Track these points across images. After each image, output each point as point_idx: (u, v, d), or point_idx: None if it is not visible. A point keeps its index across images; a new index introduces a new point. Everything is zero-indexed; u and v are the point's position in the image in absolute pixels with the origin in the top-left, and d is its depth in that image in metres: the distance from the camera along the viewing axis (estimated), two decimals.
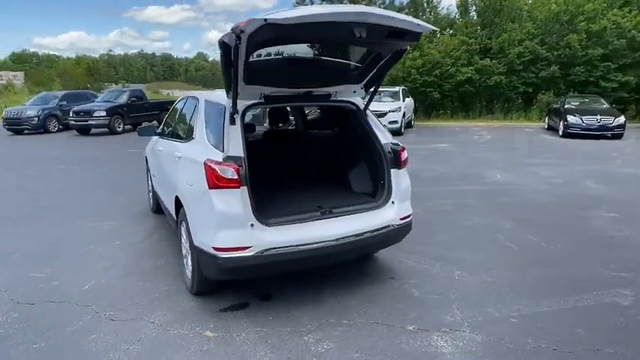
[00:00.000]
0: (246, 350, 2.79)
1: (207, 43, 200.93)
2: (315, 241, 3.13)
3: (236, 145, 3.11)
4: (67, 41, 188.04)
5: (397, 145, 3.71)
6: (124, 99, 18.03)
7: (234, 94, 3.11)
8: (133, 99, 18.22)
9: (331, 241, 3.18)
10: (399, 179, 3.66)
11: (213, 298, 3.42)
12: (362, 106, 3.81)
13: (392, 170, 3.62)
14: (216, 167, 2.97)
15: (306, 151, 4.68)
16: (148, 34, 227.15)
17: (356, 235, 3.29)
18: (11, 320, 3.18)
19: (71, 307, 3.36)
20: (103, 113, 16.72)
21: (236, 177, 2.97)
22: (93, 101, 18.73)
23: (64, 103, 18.82)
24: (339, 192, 4.09)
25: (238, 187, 2.99)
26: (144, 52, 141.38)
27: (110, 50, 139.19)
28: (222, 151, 3.08)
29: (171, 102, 21.55)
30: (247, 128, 4.41)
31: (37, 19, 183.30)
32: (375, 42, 3.12)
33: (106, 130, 16.77)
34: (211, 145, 3.25)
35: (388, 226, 3.50)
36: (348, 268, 3.91)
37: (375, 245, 3.65)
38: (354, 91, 3.78)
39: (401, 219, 3.61)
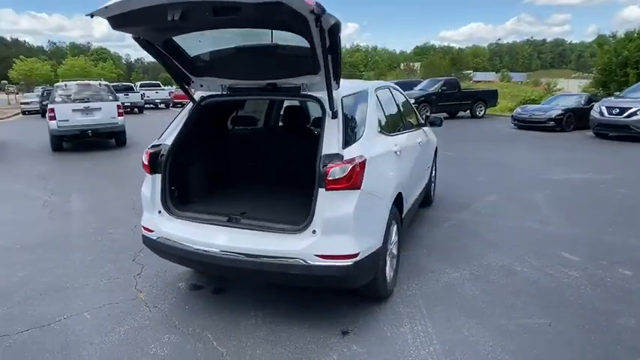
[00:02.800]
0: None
1: (622, 21, 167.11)
2: (203, 247, 2.90)
3: (170, 133, 3.27)
4: (466, 33, 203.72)
5: (336, 157, 2.71)
6: (436, 87, 18.69)
7: (179, 84, 3.25)
8: (444, 88, 18.57)
9: (217, 251, 2.85)
10: (327, 204, 2.69)
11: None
12: (327, 104, 2.93)
13: (320, 191, 2.70)
14: (144, 153, 3.26)
15: (293, 152, 3.97)
16: (546, 19, 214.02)
17: (245, 255, 2.78)
18: None
19: None
20: (412, 101, 17.92)
21: (147, 162, 3.17)
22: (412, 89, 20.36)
23: None
24: (288, 203, 3.37)
25: (149, 174, 3.18)
26: (533, 39, 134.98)
27: (499, 39, 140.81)
28: (159, 138, 3.32)
29: (488, 92, 20.67)
30: (243, 121, 4.23)
31: (444, 13, 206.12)
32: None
33: None
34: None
35: (294, 259, 2.71)
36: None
37: (277, 276, 2.87)
38: (331, 84, 2.95)
39: (320, 256, 2.68)
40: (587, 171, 8.32)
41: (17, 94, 34.71)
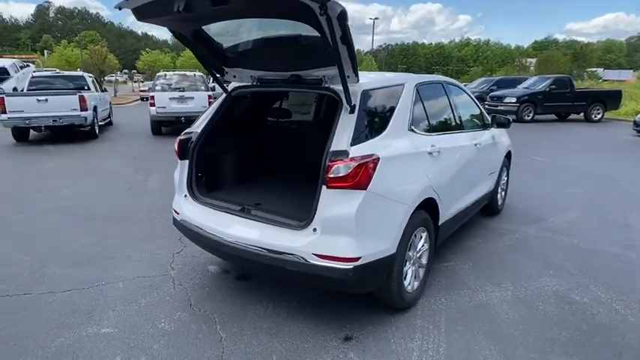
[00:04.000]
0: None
1: None
2: (215, 233, 2.98)
3: (201, 122, 3.40)
4: (599, 25, 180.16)
5: (342, 154, 2.56)
6: (543, 86, 16.93)
7: (212, 75, 3.35)
8: (553, 86, 16.72)
9: (227, 239, 2.91)
10: (328, 202, 2.57)
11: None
12: (344, 98, 2.78)
13: (323, 188, 2.59)
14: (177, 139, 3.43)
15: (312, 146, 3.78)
16: None
17: (250, 246, 2.79)
18: None
19: None
20: (514, 100, 16.58)
21: (177, 148, 3.33)
22: (515, 87, 18.70)
23: (494, 87, 19.94)
24: (304, 199, 3.20)
25: (180, 159, 3.34)
26: None
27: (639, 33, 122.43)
28: (190, 126, 3.47)
29: (609, 92, 18.01)
30: (277, 113, 4.15)
31: (572, 4, 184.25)
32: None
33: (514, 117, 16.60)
34: None
35: (292, 254, 2.64)
36: None
37: (276, 271, 2.79)
38: (348, 76, 2.81)
39: (318, 256, 2.58)
40: None
41: (142, 82, 39.20)
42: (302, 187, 3.64)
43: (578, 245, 4.50)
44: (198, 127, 3.44)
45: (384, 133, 2.86)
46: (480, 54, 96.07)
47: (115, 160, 8.73)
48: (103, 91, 13.40)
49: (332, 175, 2.54)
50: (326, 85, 2.96)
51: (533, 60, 53.59)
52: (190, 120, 11.67)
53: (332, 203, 2.57)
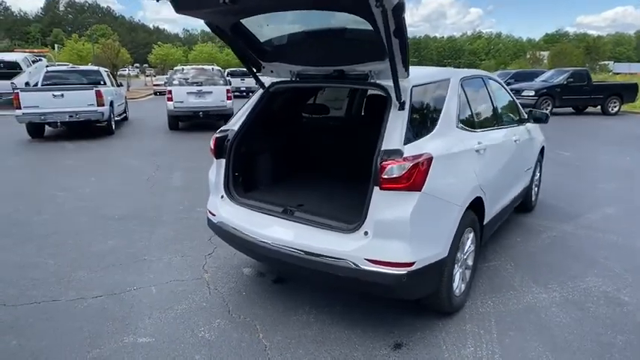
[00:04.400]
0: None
1: None
2: (256, 236, 2.86)
3: (238, 119, 3.27)
4: (609, 18, 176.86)
5: (395, 153, 2.41)
6: (561, 79, 16.57)
7: (249, 69, 3.22)
8: (571, 80, 16.35)
9: (268, 242, 2.79)
10: (381, 204, 2.43)
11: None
12: (394, 94, 2.63)
13: (375, 189, 2.45)
14: (213, 137, 3.30)
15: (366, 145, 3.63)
16: None
17: (295, 250, 2.67)
18: None
19: None
20: (532, 93, 16.27)
21: (212, 147, 3.21)
22: (533, 80, 18.32)
23: (512, 80, 19.56)
24: (349, 200, 3.11)
25: (215, 158, 3.22)
26: None
27: None
28: (226, 123, 3.34)
29: (626, 85, 17.56)
30: (314, 109, 3.99)
31: None
32: None
33: None
34: None
35: (343, 260, 2.51)
36: None
37: (324, 277, 2.65)
38: (398, 71, 2.66)
39: (370, 261, 2.45)
40: None
41: (154, 76, 39.25)
42: (344, 187, 3.52)
43: (619, 243, 4.32)
44: (234, 124, 3.31)
45: (434, 131, 2.71)
46: (492, 47, 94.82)
47: (134, 156, 8.65)
48: (118, 85, 13.33)
49: (386, 176, 2.40)
50: (372, 81, 2.81)
51: (546, 53, 52.81)
52: (209, 115, 11.62)
53: (385, 205, 2.43)
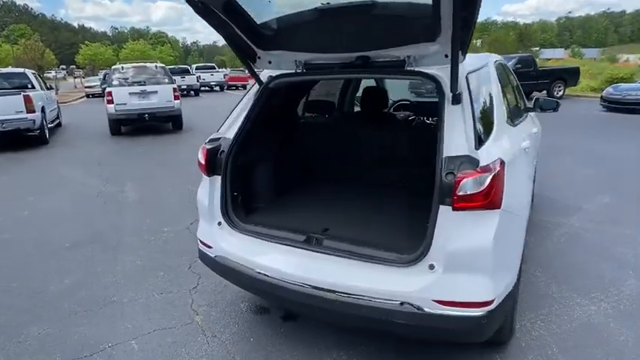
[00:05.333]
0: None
1: None
2: (272, 274, 2.21)
3: (232, 124, 2.60)
4: (532, 6, 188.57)
5: (467, 161, 1.89)
6: (509, 65, 16.94)
7: (243, 61, 2.54)
8: (519, 65, 16.79)
9: (293, 283, 2.15)
10: (454, 229, 1.88)
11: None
12: (447, 84, 2.11)
13: (441, 209, 1.90)
14: (199, 149, 2.60)
15: (379, 145, 3.14)
16: None
17: (330, 291, 2.06)
18: None
19: None
20: None
21: (203, 162, 2.51)
22: None
23: None
24: (382, 218, 2.61)
25: (207, 175, 2.52)
26: (610, 10, 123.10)
27: (569, 12, 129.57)
28: (217, 130, 2.65)
29: (569, 70, 18.47)
30: (317, 107, 3.43)
31: None
32: None
33: None
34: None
35: (403, 303, 1.94)
36: None
37: (372, 323, 2.08)
38: (446, 55, 2.12)
39: (441, 302, 1.90)
40: None
41: (83, 77, 36.25)
42: (368, 200, 2.94)
43: (636, 236, 4.11)
44: (226, 131, 2.63)
45: (495, 129, 2.20)
46: None
47: (76, 168, 7.51)
48: (48, 88, 11.79)
49: (462, 193, 1.84)
50: (411, 69, 2.25)
51: (478, 41, 55.03)
52: (155, 117, 10.55)
53: (459, 230, 1.88)
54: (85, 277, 3.47)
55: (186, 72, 25.61)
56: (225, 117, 2.71)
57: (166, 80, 10.96)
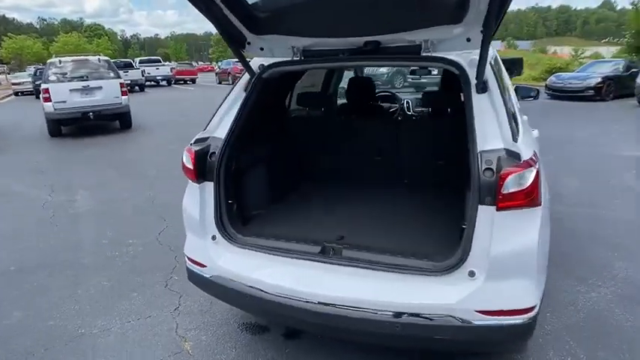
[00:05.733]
0: None
1: None
2: (287, 294, 1.91)
3: (221, 122, 2.25)
4: None
5: (507, 155, 1.71)
6: None
7: (234, 49, 2.20)
8: None
9: (312, 302, 1.87)
10: (498, 231, 1.69)
11: None
12: (471, 72, 1.92)
13: (482, 209, 1.70)
14: (184, 152, 2.24)
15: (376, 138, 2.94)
16: None
17: (358, 310, 1.80)
18: None
19: None
20: (435, 71, 16.77)
21: (191, 166, 2.15)
22: None
23: None
24: (399, 220, 2.40)
25: (196, 181, 2.17)
26: (538, 5, 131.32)
27: None
28: (205, 129, 2.29)
29: (513, 60, 19.27)
30: (308, 99, 3.18)
31: None
32: None
33: None
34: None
35: (444, 317, 1.73)
36: None
37: (408, 341, 1.88)
38: (468, 39, 1.92)
39: (485, 313, 1.71)
40: None
41: (9, 73, 33.20)
42: (380, 202, 2.70)
43: (615, 218, 4.19)
44: (215, 129, 2.27)
45: (520, 119, 2.04)
46: None
47: (14, 177, 6.67)
48: None
49: (507, 191, 1.65)
50: (428, 54, 2.01)
51: None
52: (101, 115, 9.72)
53: (504, 232, 1.70)
54: (40, 307, 2.97)
55: (130, 66, 24.07)
56: (213, 113, 2.35)
57: (112, 74, 10.09)
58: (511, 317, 1.72)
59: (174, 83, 28.76)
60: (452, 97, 2.87)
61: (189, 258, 2.28)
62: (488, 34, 1.71)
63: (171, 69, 29.54)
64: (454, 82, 2.94)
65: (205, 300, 2.87)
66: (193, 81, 30.48)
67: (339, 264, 1.93)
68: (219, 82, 29.14)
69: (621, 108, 11.89)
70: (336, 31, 2.11)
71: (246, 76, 2.35)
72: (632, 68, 13.85)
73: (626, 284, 3.02)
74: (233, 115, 2.24)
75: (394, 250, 1.94)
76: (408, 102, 4.20)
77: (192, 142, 2.25)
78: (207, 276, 2.17)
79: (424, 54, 2.04)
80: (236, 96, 2.32)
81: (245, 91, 2.31)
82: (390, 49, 2.10)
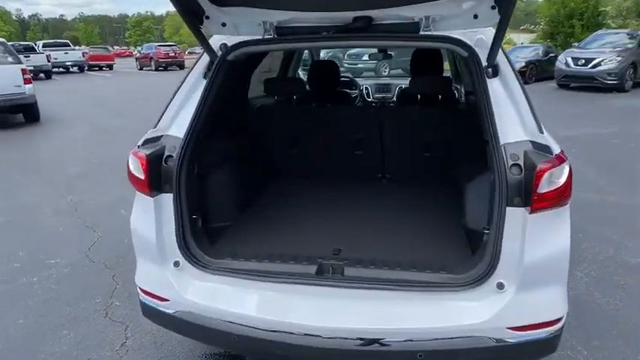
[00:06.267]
0: None
1: None
2: (281, 329, 1.54)
3: (176, 116, 1.79)
4: None
5: (539, 150, 1.49)
6: None
7: (190, 24, 1.73)
8: None
9: (317, 335, 1.51)
10: (530, 235, 1.47)
11: None
12: (481, 53, 1.67)
13: (510, 212, 1.47)
14: (130, 156, 1.74)
15: (358, 132, 2.68)
16: None
17: (373, 342, 1.49)
18: None
19: None
20: None
21: (141, 175, 1.67)
22: None
23: None
24: (397, 225, 2.14)
25: (149, 194, 1.69)
26: None
27: None
28: (155, 126, 1.81)
29: None
30: (279, 87, 2.84)
31: None
32: None
33: None
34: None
35: (471, 337, 1.48)
36: None
37: None
38: (475, 15, 1.65)
39: (517, 329, 1.50)
40: (585, 125, 7.80)
41: None
42: (369, 203, 2.38)
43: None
44: (168, 126, 1.79)
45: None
46: None
47: None
48: None
49: (543, 191, 1.42)
50: (429, 33, 1.71)
51: None
52: (0, 108, 8.37)
53: (539, 237, 1.48)
54: None
55: (31, 50, 21.34)
56: (165, 106, 1.85)
57: (10, 59, 8.67)
58: (542, 330, 1.53)
59: (89, 69, 26.27)
60: (439, 82, 2.66)
61: (142, 290, 1.80)
62: (506, 15, 1.47)
63: (84, 54, 26.85)
64: (435, 65, 2.72)
65: (159, 329, 2.38)
66: (110, 67, 28.06)
67: (342, 286, 1.59)
68: (141, 68, 27.36)
69: (544, 90, 12.69)
70: (318, 3, 1.73)
71: (205, 60, 1.89)
72: (550, 53, 14.97)
73: (595, 265, 3.02)
74: (192, 107, 1.78)
75: (405, 263, 1.64)
76: (367, 88, 3.95)
77: (139, 143, 1.75)
78: (171, 312, 1.72)
79: (424, 33, 1.73)
80: (193, 84, 1.85)
81: (205, 77, 1.85)
82: (383, 26, 1.77)
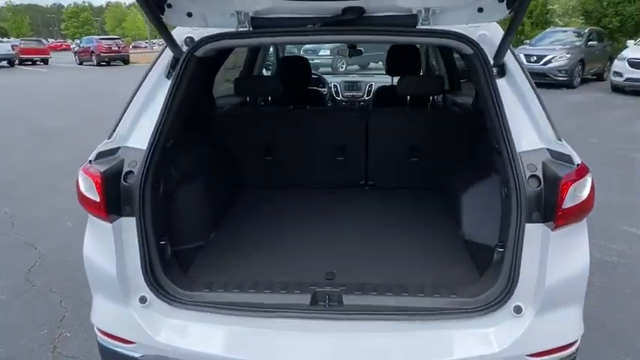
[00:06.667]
0: None
1: None
2: None
3: (136, 123, 1.51)
4: None
5: (559, 160, 1.36)
6: None
7: (150, 15, 1.44)
8: None
9: None
10: (554, 254, 1.34)
11: None
12: (487, 51, 1.52)
13: (530, 228, 1.33)
14: (80, 174, 1.44)
15: (335, 136, 2.50)
16: None
17: None
18: None
19: None
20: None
21: (95, 197, 1.38)
22: None
23: None
24: (387, 243, 1.96)
25: (106, 219, 1.41)
26: None
27: None
28: (110, 136, 1.51)
29: None
30: (258, 86, 2.61)
31: None
32: None
33: None
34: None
35: None
36: None
37: None
38: (480, 9, 1.50)
39: (535, 355, 1.37)
40: None
41: None
42: (354, 216, 2.17)
43: None
44: (127, 136, 1.49)
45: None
46: None
47: None
48: None
49: (567, 206, 1.28)
50: (428, 27, 1.53)
51: None
52: None
53: (560, 255, 1.35)
54: None
55: None
56: (123, 110, 1.55)
57: None
58: (561, 354, 1.41)
59: (20, 64, 24.28)
60: (430, 82, 2.50)
61: (101, 331, 1.51)
62: (522, 5, 1.32)
63: (13, 46, 24.77)
64: (414, 61, 2.56)
65: None
66: (45, 61, 26.02)
67: (342, 318, 1.39)
68: (80, 63, 25.60)
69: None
70: None
71: (167, 56, 1.61)
72: None
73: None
74: (155, 112, 1.50)
75: (411, 287, 1.46)
76: (336, 86, 3.75)
77: (91, 157, 1.45)
78: (137, 356, 1.45)
79: (422, 27, 1.55)
80: (154, 85, 1.57)
81: (168, 77, 1.57)
82: (377, 18, 1.57)
